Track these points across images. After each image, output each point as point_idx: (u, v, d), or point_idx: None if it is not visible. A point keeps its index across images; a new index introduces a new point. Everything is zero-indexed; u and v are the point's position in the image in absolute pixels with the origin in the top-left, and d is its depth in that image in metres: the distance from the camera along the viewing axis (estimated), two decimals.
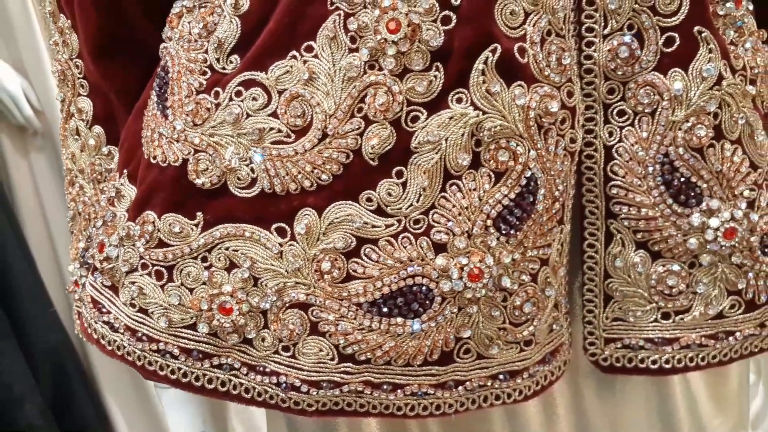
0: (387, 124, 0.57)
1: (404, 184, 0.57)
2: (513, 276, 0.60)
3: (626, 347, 0.66)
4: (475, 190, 0.57)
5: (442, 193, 0.57)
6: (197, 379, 0.61)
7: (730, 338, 0.66)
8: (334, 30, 0.57)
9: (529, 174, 0.58)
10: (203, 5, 0.61)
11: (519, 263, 0.60)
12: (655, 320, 0.65)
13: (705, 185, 0.62)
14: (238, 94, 0.59)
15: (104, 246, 0.63)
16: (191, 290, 0.60)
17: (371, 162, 0.57)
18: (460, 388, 0.61)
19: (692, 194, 0.62)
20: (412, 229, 0.58)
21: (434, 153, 0.57)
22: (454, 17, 0.56)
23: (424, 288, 0.58)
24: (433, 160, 0.57)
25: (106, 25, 0.67)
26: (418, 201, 0.57)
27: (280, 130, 0.58)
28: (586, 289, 0.65)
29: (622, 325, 0.66)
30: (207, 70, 0.60)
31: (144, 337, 0.61)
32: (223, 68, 0.60)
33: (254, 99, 0.58)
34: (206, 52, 0.60)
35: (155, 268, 0.61)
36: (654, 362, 0.66)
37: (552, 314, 0.63)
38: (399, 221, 0.58)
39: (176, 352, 0.61)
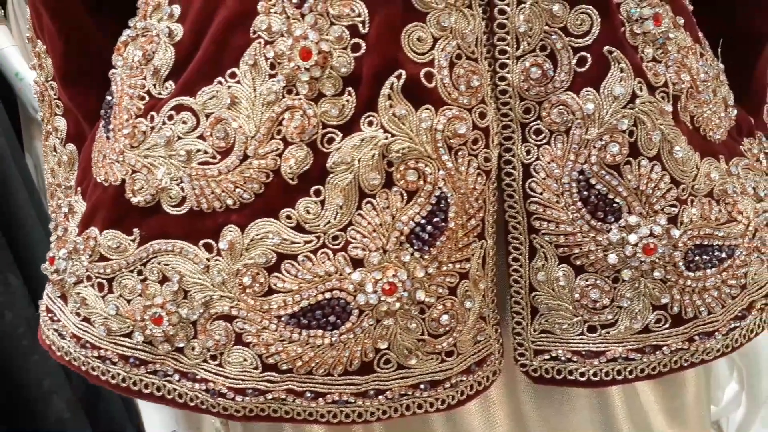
0: (304, 145, 0.60)
1: (322, 202, 0.60)
2: (429, 289, 0.62)
3: (554, 359, 0.68)
4: (387, 208, 0.60)
5: (358, 211, 0.60)
6: (134, 384, 0.65)
7: (657, 352, 0.67)
8: (255, 57, 0.60)
9: (438, 193, 0.60)
10: (144, 34, 0.65)
11: (435, 277, 0.62)
12: (582, 333, 0.67)
13: (623, 201, 0.63)
14: (170, 117, 0.62)
15: (54, 259, 0.68)
16: (129, 301, 0.64)
17: (290, 181, 0.60)
18: (381, 397, 0.64)
19: (610, 210, 0.63)
20: (330, 245, 0.60)
21: (348, 173, 0.59)
22: (363, 45, 0.59)
23: (341, 301, 0.61)
24: (347, 180, 0.60)
25: (71, 53, 0.72)
26: (335, 218, 0.60)
27: (206, 152, 0.61)
28: (514, 301, 0.67)
29: (550, 338, 0.67)
30: (145, 95, 0.64)
31: (87, 344, 0.66)
32: (159, 93, 0.64)
33: (184, 122, 0.62)
34: (145, 78, 0.64)
35: (97, 280, 0.65)
36: (582, 375, 0.67)
37: (476, 326, 0.65)
38: (318, 237, 0.61)
39: (115, 358, 0.65)
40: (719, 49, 0.79)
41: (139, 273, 0.64)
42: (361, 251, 0.60)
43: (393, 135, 0.59)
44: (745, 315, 0.69)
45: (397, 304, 0.61)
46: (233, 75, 0.61)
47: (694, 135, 0.66)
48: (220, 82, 0.61)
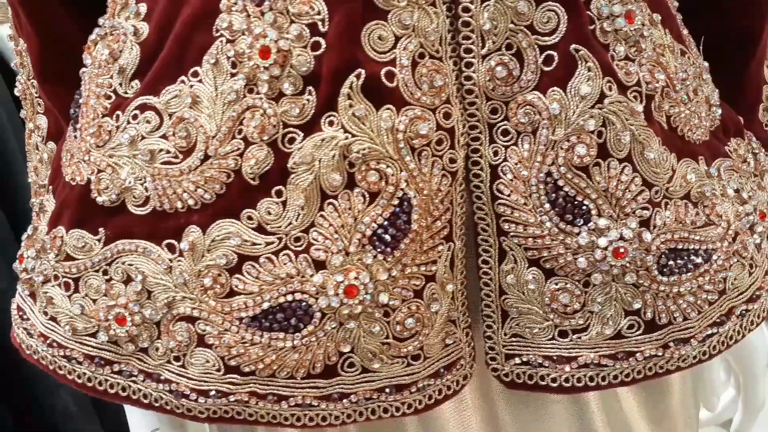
0: (264, 145, 0.59)
1: (284, 203, 0.60)
2: (393, 292, 0.61)
3: (526, 364, 0.66)
4: (349, 209, 0.59)
5: (320, 212, 0.59)
6: (100, 384, 0.65)
7: (631, 359, 0.65)
8: (216, 56, 0.60)
9: (401, 195, 0.59)
10: (111, 33, 0.65)
11: (399, 280, 0.61)
12: (553, 338, 0.65)
13: (592, 204, 0.61)
14: (135, 117, 0.62)
15: (23, 258, 0.68)
16: (94, 301, 0.64)
17: (251, 181, 0.60)
18: (345, 400, 0.63)
19: (579, 213, 0.62)
20: (292, 247, 0.60)
21: (309, 173, 0.59)
22: (323, 43, 0.58)
23: (303, 304, 0.60)
24: (308, 180, 0.59)
25: (47, 51, 0.72)
26: (297, 219, 0.59)
27: (169, 151, 0.61)
28: (484, 304, 0.66)
29: (521, 342, 0.66)
30: (111, 94, 0.64)
31: (54, 344, 0.66)
32: (125, 93, 0.63)
33: (148, 122, 0.62)
34: (111, 77, 0.64)
35: (64, 279, 0.65)
36: (554, 380, 0.66)
37: (445, 329, 0.64)
38: (280, 239, 0.60)
39: (81, 358, 0.65)
40: (700, 47, 0.77)
41: (105, 273, 0.64)
42: (323, 253, 0.59)
43: (353, 135, 0.58)
44: (724, 321, 0.67)
45: (359, 307, 0.60)
46: (196, 74, 0.60)
47: (670, 135, 0.64)
48: (183, 81, 0.61)
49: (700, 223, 0.65)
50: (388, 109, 0.58)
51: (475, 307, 0.66)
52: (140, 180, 0.62)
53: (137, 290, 0.62)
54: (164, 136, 0.61)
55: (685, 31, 0.73)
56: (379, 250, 0.60)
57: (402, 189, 0.59)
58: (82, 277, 0.64)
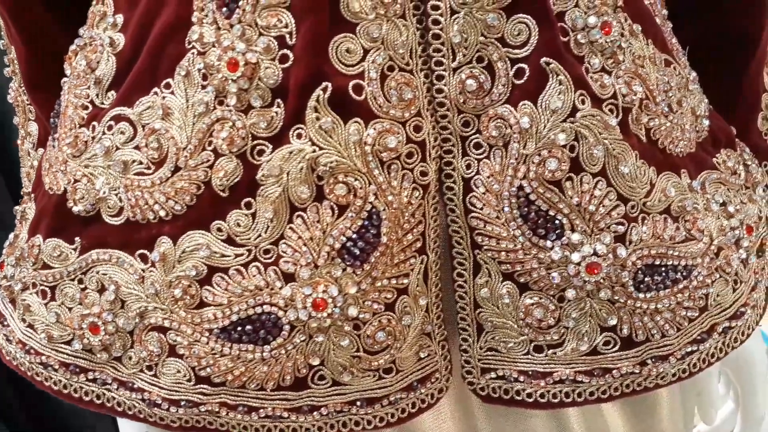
0: (233, 157, 0.59)
1: (253, 215, 0.59)
2: (364, 305, 0.61)
3: (501, 378, 0.66)
4: (318, 222, 0.59)
5: (289, 225, 0.59)
6: (75, 391, 0.66)
7: (607, 376, 0.64)
8: (188, 68, 0.60)
9: (369, 208, 0.59)
10: (90, 43, 0.66)
11: (369, 293, 0.60)
12: (528, 353, 0.64)
13: (565, 219, 0.60)
14: (110, 128, 0.63)
15: (4, 265, 0.69)
16: (70, 309, 0.64)
17: (221, 193, 0.60)
18: (315, 413, 0.63)
19: (552, 228, 0.61)
20: (262, 259, 0.60)
21: (277, 186, 0.59)
22: (291, 56, 0.58)
23: (272, 316, 0.60)
24: (276, 193, 0.59)
25: (34, 59, 0.73)
26: (266, 232, 0.59)
27: (141, 162, 0.61)
28: (460, 317, 0.65)
29: (497, 356, 0.65)
30: (89, 105, 0.64)
31: (31, 350, 0.67)
32: (102, 103, 0.64)
33: (122, 133, 0.62)
34: (89, 88, 0.64)
35: (41, 287, 0.66)
36: (529, 395, 0.65)
37: (419, 342, 0.64)
38: (249, 251, 0.60)
39: (56, 365, 0.66)
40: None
41: (80, 282, 0.64)
42: (292, 266, 0.59)
43: (321, 148, 0.58)
44: (705, 338, 0.66)
45: (328, 321, 0.60)
46: (168, 86, 0.60)
47: (650, 149, 0.63)
48: (155, 93, 0.61)
49: (680, 239, 0.63)
50: (356, 122, 0.58)
51: (451, 320, 0.66)
52: (114, 190, 0.62)
53: (111, 300, 0.63)
54: (137, 147, 0.62)
55: (674, 40, 0.72)
56: (348, 263, 0.59)
57: (370, 202, 0.59)
58: (58, 285, 0.65)
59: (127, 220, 0.62)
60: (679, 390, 0.77)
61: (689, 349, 0.65)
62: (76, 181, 0.64)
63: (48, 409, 1.42)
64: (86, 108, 0.64)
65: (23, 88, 0.76)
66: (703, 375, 0.87)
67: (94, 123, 0.64)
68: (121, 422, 0.76)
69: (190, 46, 0.60)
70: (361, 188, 0.58)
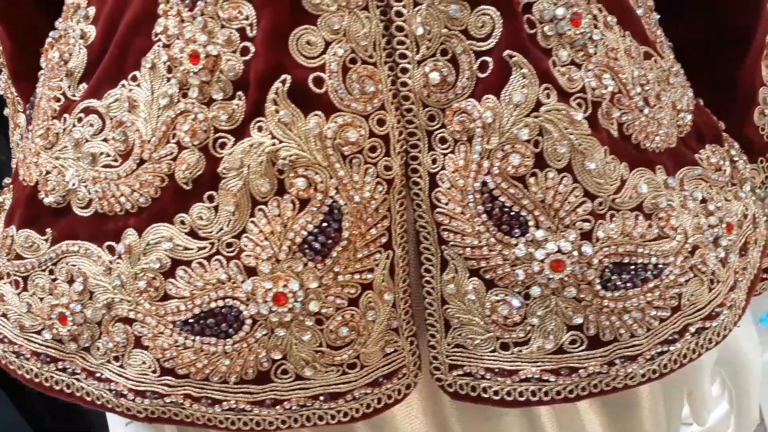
0: (196, 150, 0.59)
1: (216, 209, 0.59)
2: (326, 300, 0.60)
3: (468, 375, 0.65)
4: (279, 216, 0.59)
5: (251, 218, 0.59)
6: (46, 380, 0.67)
7: (574, 375, 0.63)
8: (153, 60, 0.60)
9: (330, 202, 0.58)
10: (63, 36, 0.66)
11: (331, 288, 0.60)
12: (494, 350, 0.64)
13: (529, 215, 0.59)
14: (80, 120, 0.63)
15: None
16: (41, 299, 0.65)
17: (185, 186, 0.60)
18: (278, 407, 0.63)
19: (516, 224, 0.60)
20: (224, 253, 0.60)
21: (238, 179, 0.58)
22: (252, 48, 0.57)
23: (234, 310, 0.60)
24: (238, 186, 0.59)
25: (19, 52, 0.74)
26: (228, 225, 0.59)
27: (109, 155, 0.62)
28: (428, 313, 0.64)
29: (464, 353, 0.64)
30: (61, 97, 0.65)
31: (5, 339, 0.68)
32: (74, 95, 0.64)
33: (91, 125, 0.62)
34: (61, 80, 0.65)
35: (14, 277, 0.66)
36: (496, 393, 0.64)
37: (385, 338, 0.63)
38: (212, 244, 0.60)
39: (28, 354, 0.66)
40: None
41: (51, 272, 0.65)
42: (254, 260, 0.59)
43: (281, 141, 0.58)
44: (677, 339, 0.64)
45: (289, 315, 0.60)
46: (135, 78, 0.61)
47: (622, 144, 0.62)
48: (123, 85, 0.61)
49: (652, 237, 0.62)
50: (316, 115, 0.57)
51: (421, 315, 0.65)
52: (84, 182, 0.63)
53: (79, 290, 0.63)
54: (105, 140, 0.62)
55: (659, 32, 0.70)
56: (309, 257, 0.59)
57: (331, 197, 0.58)
58: (30, 275, 0.66)
59: (96, 212, 0.63)
60: (661, 390, 0.76)
61: (659, 350, 0.64)
62: (47, 172, 0.65)
63: (72, 407, 1.44)
64: (58, 100, 0.65)
65: (11, 80, 0.77)
66: (693, 376, 0.86)
67: (66, 115, 0.64)
68: (110, 417, 0.76)
69: (156, 38, 0.60)
70: (321, 182, 0.58)
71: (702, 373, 0.87)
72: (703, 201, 0.67)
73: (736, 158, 0.73)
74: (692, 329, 0.65)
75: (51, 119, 0.65)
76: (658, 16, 0.71)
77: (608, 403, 0.73)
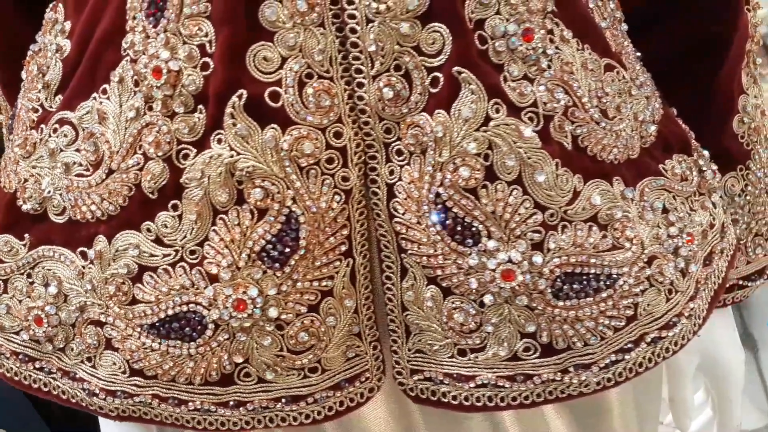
0: (160, 160, 0.61)
1: (180, 217, 0.62)
2: (286, 307, 0.62)
3: (428, 380, 0.67)
4: (238, 225, 0.61)
5: (213, 227, 0.61)
6: (25, 379, 0.70)
7: (528, 382, 0.64)
8: (121, 74, 0.62)
9: (287, 212, 0.60)
10: (42, 50, 0.69)
11: (290, 295, 0.62)
12: (453, 356, 0.65)
13: (481, 225, 0.61)
14: (55, 131, 0.66)
15: None
16: (20, 302, 0.68)
17: (150, 195, 0.62)
18: (242, 408, 0.65)
19: (469, 234, 0.61)
20: (188, 259, 0.62)
21: (199, 189, 0.61)
22: (211, 64, 0.60)
23: (197, 315, 0.62)
24: (199, 195, 0.61)
25: (6, 61, 0.77)
26: (191, 233, 0.62)
27: (81, 164, 0.64)
28: (389, 319, 0.66)
29: (424, 358, 0.66)
30: (39, 108, 0.68)
31: None
32: (50, 107, 0.67)
33: (65, 136, 0.65)
34: (39, 91, 0.68)
35: None
36: (454, 398, 0.66)
37: (347, 343, 0.65)
38: (176, 251, 0.62)
39: (8, 354, 0.70)
40: (640, 59, 0.74)
41: (28, 276, 0.68)
42: (215, 267, 0.61)
43: (238, 153, 0.60)
44: (632, 348, 0.65)
45: (249, 321, 0.62)
46: (104, 91, 0.63)
47: (576, 156, 0.63)
48: (94, 98, 0.64)
49: (605, 247, 0.63)
50: (272, 128, 0.59)
51: (384, 321, 0.67)
52: (58, 191, 0.66)
53: (54, 294, 0.66)
54: (78, 150, 0.65)
55: (626, 43, 0.71)
56: (267, 265, 0.61)
57: (288, 207, 0.60)
58: (10, 279, 0.69)
59: (70, 219, 0.66)
60: (632, 395, 0.77)
61: (614, 358, 0.65)
62: (25, 180, 0.68)
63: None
64: (36, 111, 0.68)
65: (0, 90, 0.81)
66: (674, 382, 0.87)
67: (43, 126, 0.67)
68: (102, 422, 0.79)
69: (125, 53, 0.62)
70: (278, 193, 0.60)
71: (683, 380, 0.87)
72: (665, 211, 0.67)
73: (704, 168, 0.73)
74: (648, 338, 0.66)
75: (29, 129, 0.68)
76: (626, 27, 0.72)
77: (575, 408, 0.74)
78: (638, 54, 0.73)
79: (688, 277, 0.67)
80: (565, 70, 0.62)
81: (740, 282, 0.84)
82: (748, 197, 0.80)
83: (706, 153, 0.75)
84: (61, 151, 0.65)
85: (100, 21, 0.64)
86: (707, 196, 0.73)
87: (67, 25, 0.67)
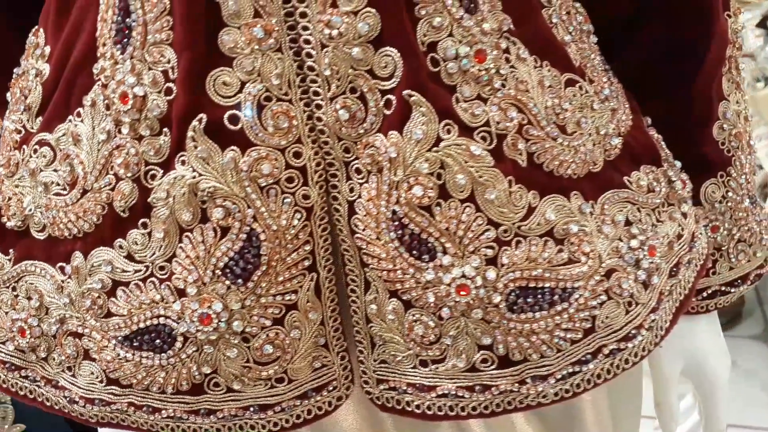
0: (130, 181, 0.64)
1: (149, 235, 0.65)
2: (251, 320, 0.65)
3: (393, 389, 0.69)
4: (202, 242, 0.63)
5: (179, 244, 0.64)
6: (12, 386, 0.73)
7: (487, 392, 0.66)
8: (94, 98, 0.65)
9: (248, 230, 0.63)
10: (25, 73, 0.72)
11: (254, 309, 0.64)
12: (415, 366, 0.67)
13: (436, 242, 0.63)
14: (35, 151, 0.69)
15: None
16: (6, 314, 0.72)
17: (122, 214, 0.65)
18: (212, 416, 0.68)
19: (425, 250, 0.63)
20: (158, 275, 0.65)
21: (165, 208, 0.63)
22: (174, 89, 0.62)
23: (167, 328, 0.65)
24: (165, 214, 0.63)
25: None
26: (160, 250, 0.64)
27: (58, 184, 0.67)
28: (355, 331, 0.68)
29: (389, 368, 0.68)
30: (21, 129, 0.71)
31: None
32: (32, 128, 0.70)
33: (44, 156, 0.68)
34: (22, 113, 0.71)
35: None
36: (417, 407, 0.68)
37: (314, 353, 0.67)
38: (147, 267, 0.65)
39: None
40: (607, 71, 0.74)
41: (13, 289, 0.71)
42: (182, 282, 0.64)
43: (200, 174, 0.62)
44: (589, 360, 0.66)
45: (215, 334, 0.64)
46: (79, 114, 0.66)
47: (531, 172, 0.64)
48: (69, 120, 0.67)
49: (560, 261, 0.64)
50: (232, 150, 0.62)
51: (351, 332, 0.69)
52: (39, 209, 0.69)
53: (36, 306, 0.69)
54: (56, 170, 0.68)
55: (593, 56, 0.72)
56: (231, 281, 0.64)
57: (249, 225, 0.63)
58: None
59: (50, 236, 0.69)
60: (606, 402, 0.78)
61: (571, 370, 0.66)
62: (9, 198, 0.71)
63: None
64: (19, 132, 0.71)
65: None
66: (660, 387, 0.88)
67: (24, 146, 0.70)
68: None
69: (97, 78, 0.65)
70: (239, 212, 0.62)
71: (668, 384, 0.88)
72: (628, 223, 0.68)
73: (674, 179, 0.74)
74: (606, 350, 0.67)
75: (12, 150, 0.71)
76: (596, 39, 0.73)
77: (546, 415, 0.75)
78: (607, 67, 0.73)
79: (651, 288, 0.68)
80: (519, 89, 0.63)
81: (723, 288, 0.85)
82: (729, 203, 0.81)
83: (677, 163, 0.75)
84: (41, 171, 0.68)
85: (75, 46, 0.67)
86: (676, 206, 0.73)
87: (47, 50, 0.70)
